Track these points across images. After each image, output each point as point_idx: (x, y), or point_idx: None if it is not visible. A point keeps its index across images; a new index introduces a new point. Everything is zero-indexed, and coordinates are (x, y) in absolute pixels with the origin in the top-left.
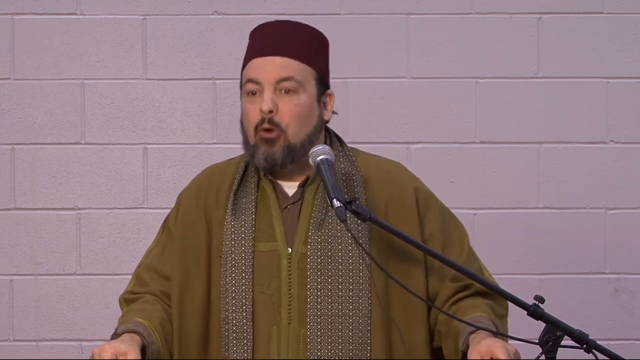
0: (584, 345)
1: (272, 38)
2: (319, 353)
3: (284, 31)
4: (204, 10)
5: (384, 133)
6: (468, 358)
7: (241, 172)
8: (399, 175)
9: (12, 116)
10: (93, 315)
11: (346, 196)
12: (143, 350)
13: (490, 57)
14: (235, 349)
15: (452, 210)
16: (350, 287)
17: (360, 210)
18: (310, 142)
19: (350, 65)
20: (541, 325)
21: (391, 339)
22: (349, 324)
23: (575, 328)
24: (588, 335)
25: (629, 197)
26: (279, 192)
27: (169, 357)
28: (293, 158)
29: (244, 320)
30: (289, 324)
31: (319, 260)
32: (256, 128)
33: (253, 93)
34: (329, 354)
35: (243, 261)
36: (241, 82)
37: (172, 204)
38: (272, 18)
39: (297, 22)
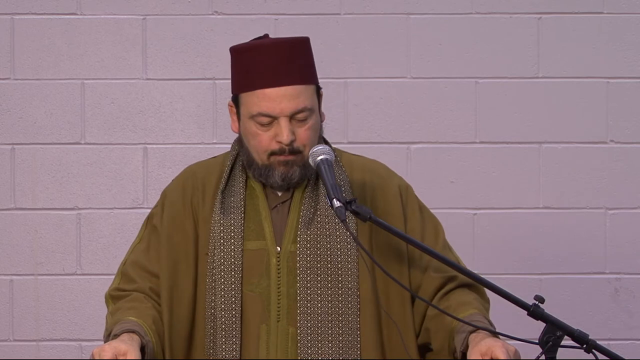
0: (584, 345)
1: (269, 63)
2: (309, 351)
3: (280, 54)
4: (204, 10)
5: (384, 133)
6: (468, 358)
7: (228, 171)
8: (382, 172)
9: (12, 116)
10: (93, 315)
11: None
12: (142, 350)
13: (490, 57)
14: (224, 346)
15: (452, 210)
16: (340, 285)
17: (360, 210)
18: None
19: (350, 65)
20: (541, 325)
21: (383, 337)
22: (338, 321)
23: (575, 328)
24: (588, 335)
25: (629, 197)
26: (268, 191)
27: (162, 356)
28: (306, 174)
29: (233, 319)
30: (278, 321)
31: (308, 258)
32: (272, 154)
33: (265, 124)
34: (319, 351)
35: (232, 259)
36: (237, 101)
37: None
38: (272, 18)
39: (278, 39)
